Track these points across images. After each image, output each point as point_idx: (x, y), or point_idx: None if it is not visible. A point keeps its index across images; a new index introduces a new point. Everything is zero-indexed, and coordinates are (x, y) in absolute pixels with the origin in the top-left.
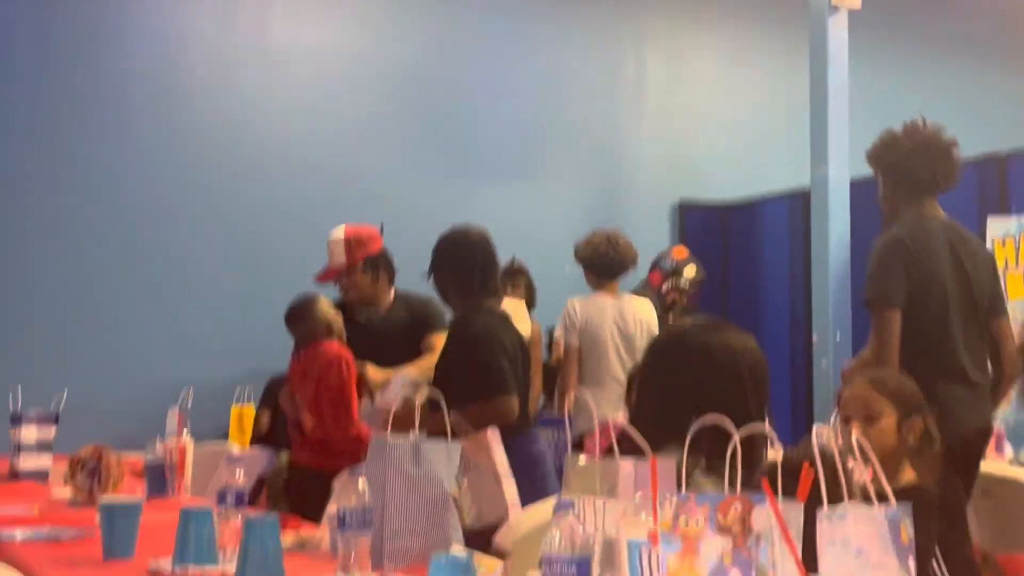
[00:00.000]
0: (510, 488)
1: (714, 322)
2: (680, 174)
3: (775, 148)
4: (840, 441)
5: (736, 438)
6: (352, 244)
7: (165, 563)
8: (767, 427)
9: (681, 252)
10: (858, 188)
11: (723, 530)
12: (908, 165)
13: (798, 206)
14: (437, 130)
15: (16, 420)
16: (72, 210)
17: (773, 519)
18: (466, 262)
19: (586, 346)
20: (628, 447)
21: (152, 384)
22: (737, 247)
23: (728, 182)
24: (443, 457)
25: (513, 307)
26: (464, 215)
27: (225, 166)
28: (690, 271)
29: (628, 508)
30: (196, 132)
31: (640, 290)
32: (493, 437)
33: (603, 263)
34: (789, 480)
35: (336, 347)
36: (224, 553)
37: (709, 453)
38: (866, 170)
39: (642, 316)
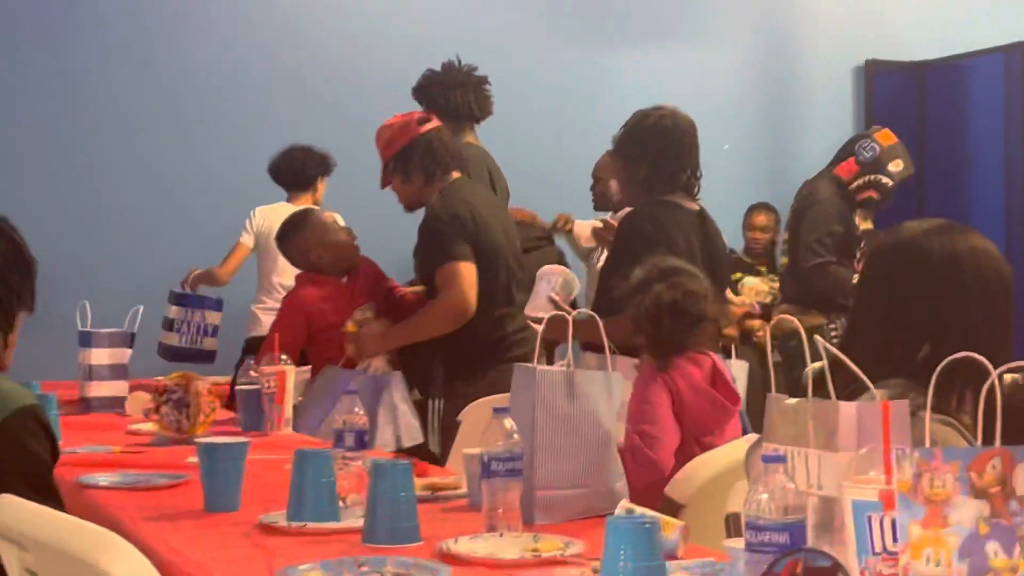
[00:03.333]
0: None
1: (950, 224)
2: (866, 29)
3: None
4: None
5: (995, 376)
6: (381, 143)
7: (279, 517)
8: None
9: (888, 137)
10: None
11: (978, 492)
12: (448, 98)
13: (1017, 62)
14: None
15: (86, 341)
16: (141, 123)
17: None
18: (649, 150)
19: None
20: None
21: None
22: (937, 116)
23: (925, 37)
24: (602, 389)
25: None
26: (601, 88)
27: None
28: (897, 165)
29: (852, 462)
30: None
31: (817, 181)
32: (627, 367)
33: None
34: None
35: None
36: (344, 503)
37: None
38: None
39: None
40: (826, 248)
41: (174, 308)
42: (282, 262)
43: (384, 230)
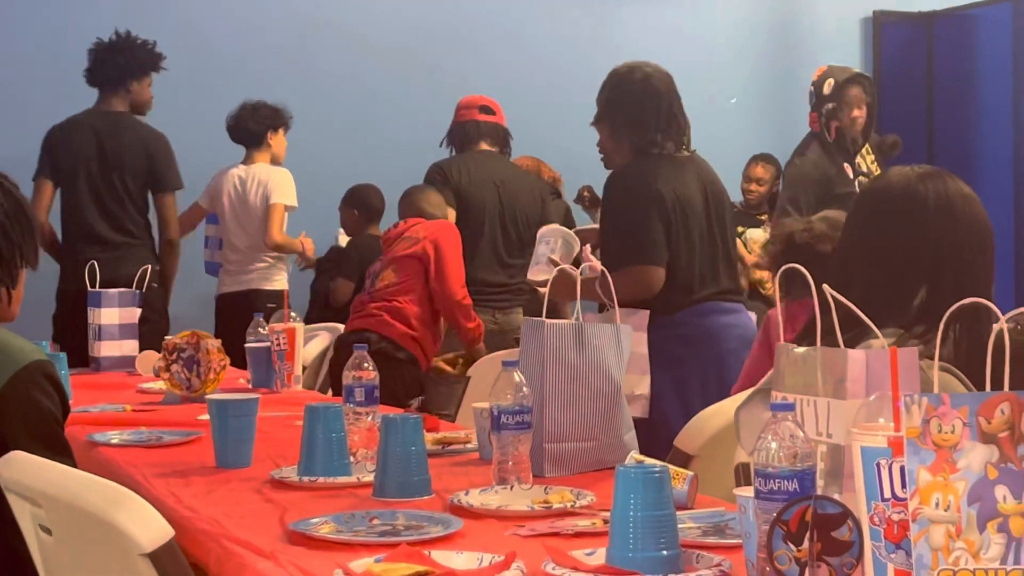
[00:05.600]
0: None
1: (939, 170)
2: None
3: None
4: None
5: (1003, 321)
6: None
7: (290, 472)
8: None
9: (819, 71)
10: None
11: (987, 437)
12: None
13: None
14: None
15: (95, 301)
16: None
17: None
18: (632, 113)
19: None
20: None
21: None
22: (946, 66)
23: None
24: (611, 342)
25: None
26: (607, 42)
27: None
28: (830, 86)
29: (860, 410)
30: None
31: (804, 140)
32: (637, 320)
33: None
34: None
35: None
36: (354, 458)
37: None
38: None
39: None
40: (796, 207)
41: (207, 226)
42: (234, 225)
43: None
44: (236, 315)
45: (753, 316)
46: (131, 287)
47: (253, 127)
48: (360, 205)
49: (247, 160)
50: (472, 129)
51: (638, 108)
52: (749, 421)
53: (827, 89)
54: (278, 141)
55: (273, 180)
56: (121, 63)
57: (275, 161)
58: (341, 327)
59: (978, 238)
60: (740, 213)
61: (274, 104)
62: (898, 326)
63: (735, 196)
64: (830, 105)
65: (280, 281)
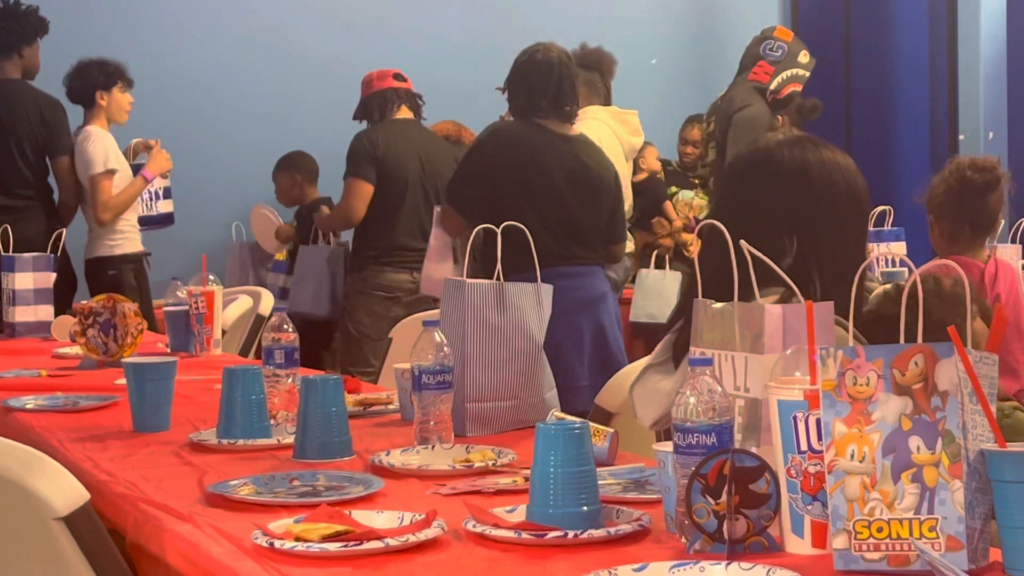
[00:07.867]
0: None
1: (806, 137)
2: None
3: None
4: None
5: (916, 275)
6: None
7: (209, 435)
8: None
9: (786, 33)
10: None
11: (901, 389)
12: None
13: None
14: None
15: (8, 265)
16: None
17: (964, 375)
18: (523, 82)
19: None
20: None
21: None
22: (865, 30)
23: None
24: (532, 301)
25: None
26: (518, 4)
27: None
28: (805, 56)
29: (777, 364)
30: None
31: (734, 93)
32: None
33: None
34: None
35: None
36: (274, 420)
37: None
38: None
39: None
40: None
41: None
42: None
43: None
44: (100, 280)
45: (679, 275)
46: (32, 249)
47: (80, 87)
48: (299, 168)
49: (83, 123)
50: (391, 95)
51: (530, 80)
52: (644, 395)
53: (804, 58)
54: (112, 101)
55: (84, 150)
56: (16, 29)
57: (113, 122)
58: (262, 290)
59: (836, 201)
60: (675, 173)
61: (110, 60)
62: (777, 286)
63: (670, 156)
64: (801, 72)
65: (133, 244)
